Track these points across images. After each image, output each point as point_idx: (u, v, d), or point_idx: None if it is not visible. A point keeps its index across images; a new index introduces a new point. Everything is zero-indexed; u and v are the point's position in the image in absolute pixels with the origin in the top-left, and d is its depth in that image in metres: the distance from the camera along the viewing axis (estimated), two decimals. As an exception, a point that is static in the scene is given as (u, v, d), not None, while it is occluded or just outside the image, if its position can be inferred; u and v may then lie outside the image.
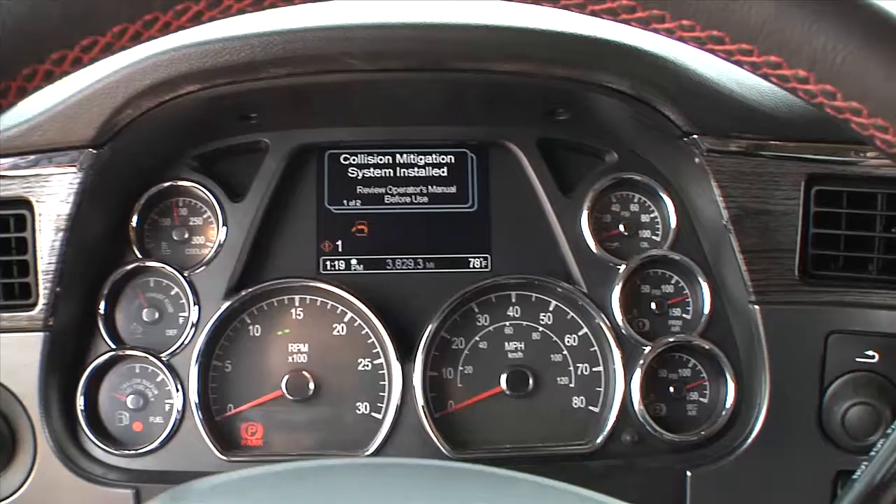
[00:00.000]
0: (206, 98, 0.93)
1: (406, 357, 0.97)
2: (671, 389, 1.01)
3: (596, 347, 1.00)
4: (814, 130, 0.96)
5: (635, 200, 1.03)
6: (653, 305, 1.01)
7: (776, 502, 0.98)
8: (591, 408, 1.00)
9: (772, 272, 0.97)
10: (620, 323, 0.99)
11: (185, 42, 0.90)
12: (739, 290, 0.98)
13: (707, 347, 1.00)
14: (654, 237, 1.02)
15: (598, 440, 0.98)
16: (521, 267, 1.00)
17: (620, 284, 0.99)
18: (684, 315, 1.02)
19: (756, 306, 0.97)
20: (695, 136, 0.96)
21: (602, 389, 1.00)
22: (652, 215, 1.03)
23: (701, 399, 1.02)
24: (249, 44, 0.90)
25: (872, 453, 0.61)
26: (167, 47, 0.90)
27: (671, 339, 1.00)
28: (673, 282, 1.02)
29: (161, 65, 0.90)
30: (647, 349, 0.99)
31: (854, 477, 0.61)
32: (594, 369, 1.00)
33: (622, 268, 0.99)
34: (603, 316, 0.99)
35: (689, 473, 0.97)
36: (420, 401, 0.96)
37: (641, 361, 0.99)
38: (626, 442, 0.98)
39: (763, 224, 0.97)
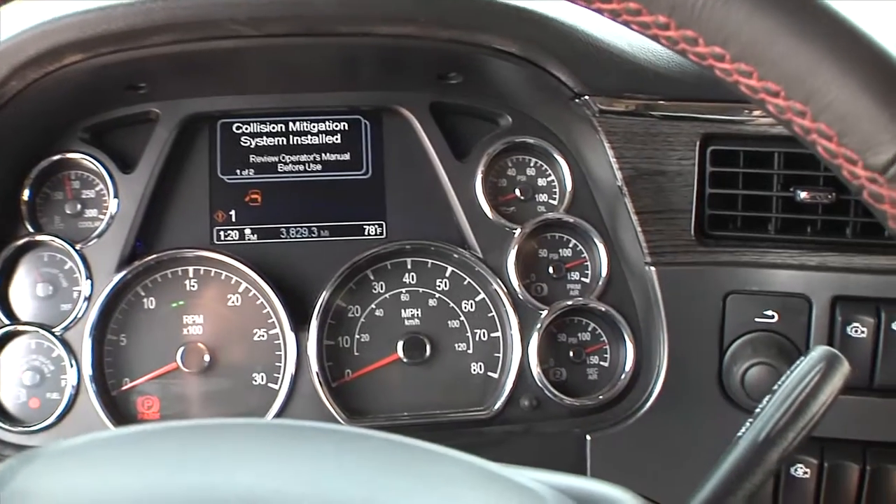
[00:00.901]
0: (91, 68, 0.91)
1: (300, 326, 0.96)
2: (571, 354, 1.01)
3: (493, 313, 0.99)
4: (706, 90, 0.95)
5: (531, 164, 1.02)
6: (551, 269, 1.01)
7: (677, 464, 0.97)
8: (489, 374, 0.99)
9: (667, 233, 0.96)
10: (517, 287, 0.98)
11: (68, 11, 0.89)
12: (635, 252, 0.97)
13: (604, 310, 0.99)
14: (551, 201, 1.01)
15: (497, 406, 0.97)
16: (417, 233, 0.99)
17: (515, 249, 0.98)
18: (583, 279, 1.01)
19: (652, 268, 0.97)
20: (586, 97, 0.95)
21: (500, 355, 0.99)
22: (549, 179, 1.02)
23: (602, 363, 1.01)
24: (131, 11, 0.88)
25: (758, 410, 0.60)
26: (51, 17, 0.89)
27: (569, 303, 0.99)
28: (571, 245, 1.02)
29: (44, 35, 0.88)
30: (544, 313, 0.98)
31: (738, 435, 0.60)
32: (492, 335, 1.00)
33: (517, 232, 0.99)
34: (499, 281, 0.98)
35: (588, 437, 0.97)
36: (315, 370, 0.96)
37: (539, 326, 0.98)
38: (525, 407, 0.98)
39: (657, 185, 0.96)
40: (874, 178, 0.41)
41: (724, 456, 0.59)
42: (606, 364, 1.01)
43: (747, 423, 0.61)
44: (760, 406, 0.61)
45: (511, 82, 0.98)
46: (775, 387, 0.62)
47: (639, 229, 0.96)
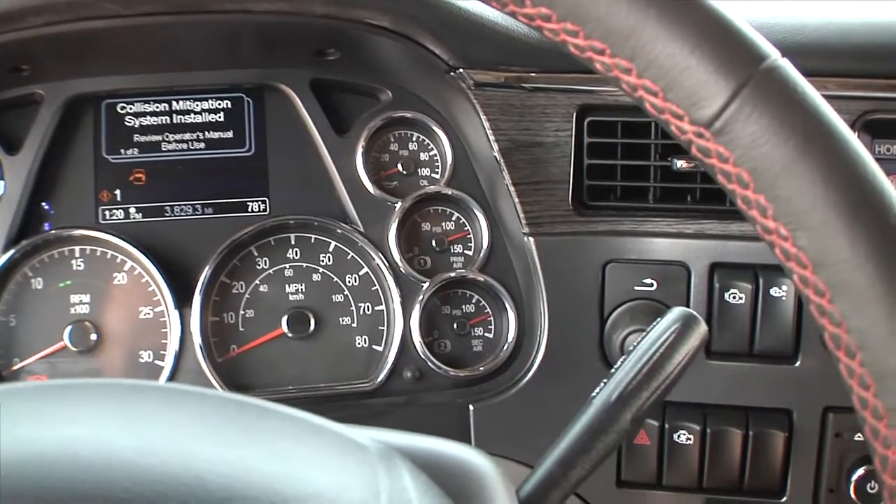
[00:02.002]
0: (-32, 52, 0.92)
1: (184, 303, 0.97)
2: (455, 326, 1.02)
3: (377, 286, 1.00)
4: (580, 61, 0.95)
5: (413, 139, 1.02)
6: (433, 243, 1.02)
7: (559, 431, 0.98)
8: (374, 346, 1.00)
9: (545, 204, 0.97)
10: (398, 261, 0.99)
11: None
12: (515, 224, 0.98)
13: (485, 282, 1.00)
14: (433, 175, 1.02)
15: (380, 378, 0.99)
16: (300, 209, 1.00)
17: (396, 223, 0.99)
18: (466, 251, 1.02)
19: (530, 238, 0.98)
20: (460, 70, 0.96)
21: (385, 328, 1.00)
22: (431, 153, 1.02)
23: (486, 334, 1.03)
24: (4, -7, 0.89)
25: (612, 371, 0.61)
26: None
27: (450, 275, 1.00)
28: (454, 219, 1.02)
29: (-80, 20, 0.89)
30: (426, 286, 0.99)
31: (592, 395, 0.61)
32: (376, 308, 1.01)
33: (398, 206, 0.99)
34: (380, 255, 0.99)
35: (471, 407, 0.98)
36: (198, 345, 0.97)
37: (420, 298, 0.99)
38: (408, 379, 0.99)
39: (534, 156, 0.97)
40: (700, 132, 0.41)
41: (577, 416, 0.60)
42: (491, 335, 1.02)
43: (602, 384, 0.62)
44: (615, 367, 0.62)
45: (388, 57, 0.98)
46: (631, 347, 0.63)
47: (516, 200, 0.97)
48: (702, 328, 0.64)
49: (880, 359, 0.41)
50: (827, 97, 0.92)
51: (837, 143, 0.41)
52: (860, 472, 0.98)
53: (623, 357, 0.63)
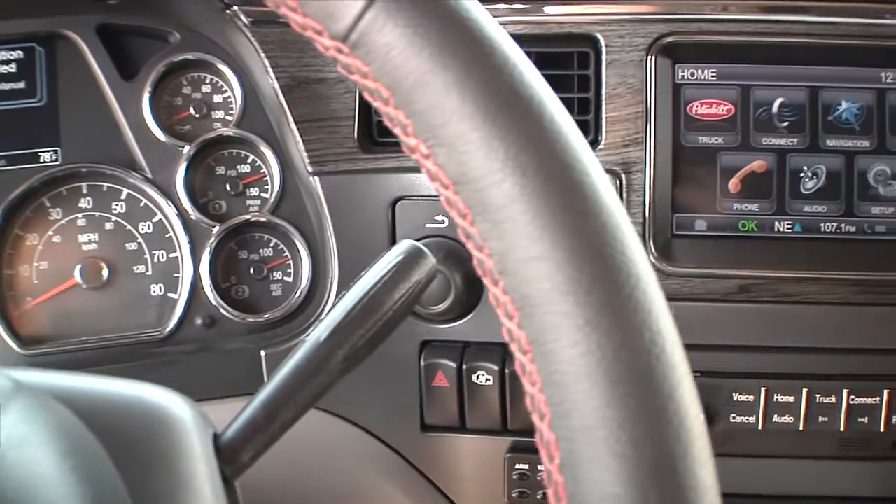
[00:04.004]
0: None
1: (-24, 257, 0.96)
2: (252, 271, 0.99)
3: (172, 233, 0.98)
4: None
5: (207, 81, 1.00)
6: (228, 186, 0.99)
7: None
8: (169, 294, 0.98)
9: (328, 142, 0.94)
10: (188, 207, 0.97)
11: None
12: (302, 163, 0.95)
13: (277, 223, 0.98)
14: (227, 117, 1.00)
15: (170, 326, 0.97)
16: (91, 157, 0.98)
17: (184, 167, 0.97)
18: (263, 194, 1.00)
19: (315, 178, 0.95)
20: (235, 7, 0.93)
21: (180, 275, 0.98)
22: (225, 95, 1.00)
23: (286, 278, 1.00)
24: None
25: (324, 316, 0.59)
26: None
27: (242, 219, 0.98)
28: (249, 161, 1.00)
29: None
30: (215, 230, 0.97)
31: (302, 338, 0.59)
32: (171, 255, 0.99)
33: (185, 150, 0.97)
34: (171, 201, 0.97)
35: (262, 353, 0.96)
36: (-9, 299, 0.96)
37: (212, 242, 0.97)
38: (199, 326, 0.97)
39: (316, 93, 0.94)
40: (339, 47, 0.39)
41: (288, 357, 0.57)
42: (291, 279, 0.99)
43: (312, 329, 0.59)
44: (333, 304, 0.59)
45: (169, -2, 0.96)
46: (352, 283, 0.60)
47: (298, 139, 0.94)
48: (428, 261, 0.61)
49: (520, 284, 0.37)
50: (619, 20, 0.87)
51: (477, 51, 0.38)
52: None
53: (342, 293, 0.60)
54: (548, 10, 0.92)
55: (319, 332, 0.57)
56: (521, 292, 0.37)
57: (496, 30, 0.39)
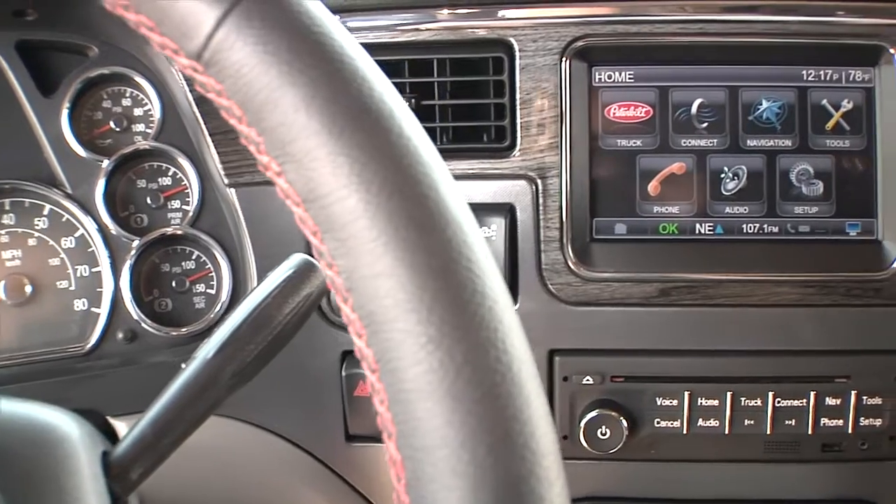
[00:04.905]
0: None
1: None
2: (174, 283, 0.99)
3: (94, 247, 0.98)
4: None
5: (127, 95, 1.00)
6: (149, 199, 0.99)
7: (273, 386, 0.95)
8: (93, 309, 0.98)
9: (244, 153, 0.94)
10: (108, 221, 0.97)
11: None
12: (218, 175, 0.95)
13: (197, 236, 0.97)
14: (148, 130, 1.00)
15: (92, 341, 0.97)
16: (13, 173, 0.98)
17: (103, 182, 0.97)
18: (184, 206, 0.99)
19: (232, 189, 0.95)
20: (147, 20, 0.93)
21: (103, 290, 0.98)
22: (146, 108, 1.00)
23: (209, 290, 1.00)
24: None
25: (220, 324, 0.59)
26: None
27: (161, 232, 0.97)
28: (170, 174, 1.00)
29: None
30: (135, 244, 0.97)
31: (196, 351, 0.59)
32: (94, 270, 0.98)
33: (103, 164, 0.97)
34: (91, 216, 0.97)
35: (183, 367, 0.95)
36: (-87, 318, 0.96)
37: (132, 255, 0.97)
38: (120, 340, 0.97)
39: (230, 104, 0.93)
40: (194, 66, 0.38)
41: (179, 373, 0.57)
42: (213, 291, 0.99)
43: (206, 340, 0.59)
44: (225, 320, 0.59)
45: (89, 13, 0.96)
46: (242, 298, 0.60)
47: (213, 151, 0.94)
48: (318, 274, 0.60)
49: (366, 302, 0.37)
50: (532, 24, 0.86)
51: (326, 67, 0.37)
52: (590, 416, 0.92)
53: (230, 309, 0.59)
54: (459, 15, 0.92)
55: (208, 348, 0.57)
56: (367, 310, 0.37)
57: (348, 44, 0.39)
